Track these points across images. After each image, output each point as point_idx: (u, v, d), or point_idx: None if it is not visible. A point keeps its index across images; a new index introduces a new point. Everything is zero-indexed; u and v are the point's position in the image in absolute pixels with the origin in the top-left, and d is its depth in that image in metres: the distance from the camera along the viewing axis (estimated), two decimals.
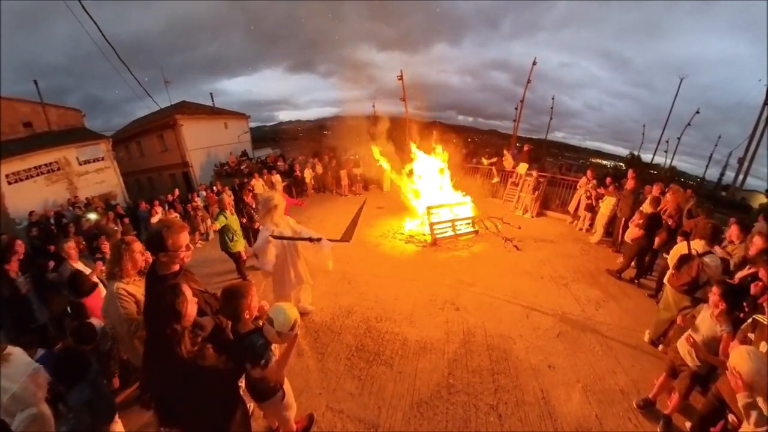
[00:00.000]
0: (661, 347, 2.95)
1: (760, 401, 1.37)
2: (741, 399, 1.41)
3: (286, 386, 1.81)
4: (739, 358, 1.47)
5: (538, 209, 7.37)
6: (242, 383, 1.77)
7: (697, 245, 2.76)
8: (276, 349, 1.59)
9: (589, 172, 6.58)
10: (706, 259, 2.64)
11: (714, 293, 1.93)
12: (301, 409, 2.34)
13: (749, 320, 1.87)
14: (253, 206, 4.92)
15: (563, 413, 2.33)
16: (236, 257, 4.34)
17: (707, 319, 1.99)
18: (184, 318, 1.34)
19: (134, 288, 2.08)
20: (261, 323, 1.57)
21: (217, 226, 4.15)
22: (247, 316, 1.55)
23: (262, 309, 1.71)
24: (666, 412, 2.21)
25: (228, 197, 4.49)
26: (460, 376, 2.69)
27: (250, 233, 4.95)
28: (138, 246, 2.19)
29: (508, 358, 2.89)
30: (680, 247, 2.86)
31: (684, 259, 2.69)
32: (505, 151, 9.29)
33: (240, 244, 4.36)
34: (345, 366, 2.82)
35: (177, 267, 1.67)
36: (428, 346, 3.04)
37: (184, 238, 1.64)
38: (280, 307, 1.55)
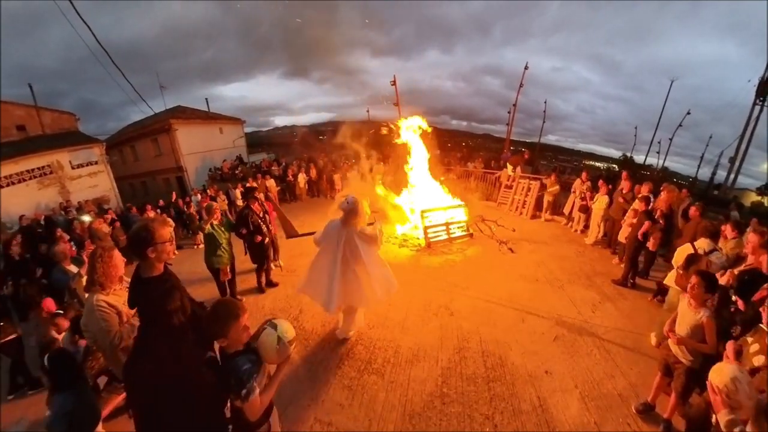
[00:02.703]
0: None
1: (749, 425, 1.33)
2: (723, 417, 1.36)
3: (273, 416, 1.60)
4: (719, 377, 1.44)
5: (533, 211, 7.38)
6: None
7: (702, 244, 2.79)
8: (262, 377, 1.42)
9: (583, 174, 6.60)
10: (712, 257, 2.67)
11: (691, 282, 1.99)
12: (288, 423, 2.25)
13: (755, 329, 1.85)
14: (260, 215, 4.19)
15: (561, 421, 2.27)
16: (215, 274, 3.84)
17: (687, 310, 2.02)
18: (185, 314, 1.37)
19: (115, 299, 1.99)
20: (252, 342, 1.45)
21: (204, 230, 3.75)
22: (236, 338, 1.40)
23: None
24: (665, 416, 2.16)
25: (218, 206, 3.98)
26: (454, 384, 2.61)
27: (255, 248, 4.15)
28: (117, 253, 2.11)
29: (504, 364, 2.81)
30: (686, 248, 2.88)
31: (691, 259, 2.69)
32: (508, 164, 9.13)
33: (222, 260, 3.77)
34: (335, 375, 2.73)
35: (161, 267, 1.61)
36: (421, 354, 2.96)
37: (167, 232, 1.61)
38: (282, 320, 1.49)
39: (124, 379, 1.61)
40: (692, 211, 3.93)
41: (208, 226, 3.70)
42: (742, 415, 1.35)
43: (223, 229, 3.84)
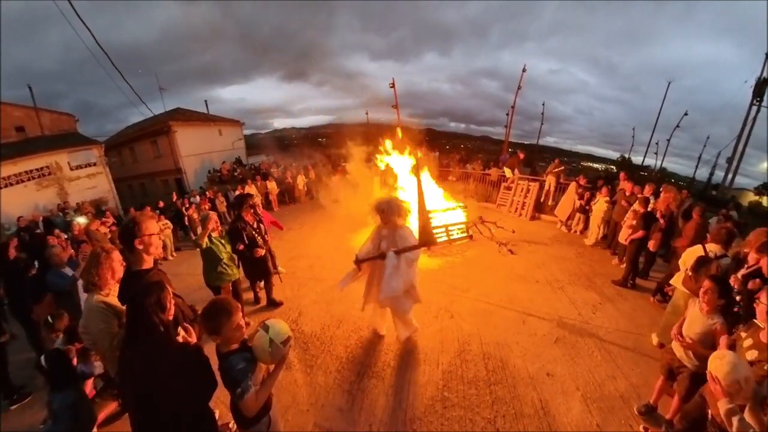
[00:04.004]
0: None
1: (747, 412, 1.34)
2: (722, 405, 1.38)
3: (274, 410, 1.63)
4: (717, 364, 1.45)
5: (532, 213, 7.39)
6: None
7: (713, 248, 2.78)
8: (258, 373, 1.44)
9: (581, 179, 6.58)
10: (721, 262, 2.66)
11: (705, 287, 1.94)
12: (287, 428, 2.22)
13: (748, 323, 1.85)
14: (254, 225, 3.67)
15: (563, 424, 2.25)
16: (216, 292, 3.28)
17: (698, 315, 1.98)
18: (168, 311, 1.40)
19: (114, 299, 1.98)
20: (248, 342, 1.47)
21: (203, 239, 3.11)
22: (231, 336, 1.43)
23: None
24: (668, 417, 2.15)
25: (214, 216, 3.36)
26: (455, 388, 2.58)
27: (254, 263, 3.66)
28: (117, 255, 2.10)
29: (505, 367, 2.80)
30: (696, 250, 2.87)
31: (702, 262, 2.69)
32: (506, 168, 9.23)
33: (224, 278, 3.24)
34: (334, 379, 2.70)
35: (151, 262, 1.65)
36: (422, 357, 2.93)
37: (154, 226, 1.68)
38: (278, 319, 1.51)
39: (117, 372, 1.65)
40: (695, 213, 3.95)
41: (206, 240, 3.12)
42: (740, 400, 1.36)
43: (223, 241, 3.27)
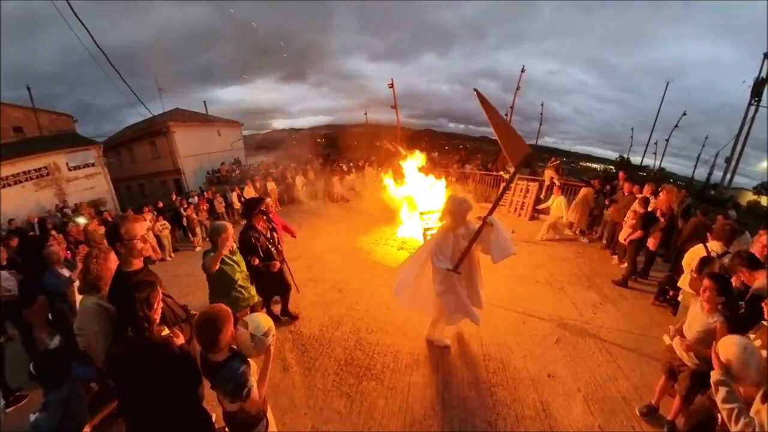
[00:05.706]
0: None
1: (756, 404, 1.31)
2: (714, 375, 1.40)
3: (269, 414, 1.65)
4: (727, 347, 1.44)
5: (531, 213, 7.38)
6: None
7: (715, 246, 2.75)
8: (254, 373, 1.48)
9: (595, 182, 6.35)
10: (725, 259, 2.63)
11: (704, 285, 1.94)
12: (285, 429, 2.20)
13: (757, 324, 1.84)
14: (267, 234, 3.13)
15: (565, 425, 2.23)
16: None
17: (699, 314, 1.98)
18: (154, 311, 1.41)
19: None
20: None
21: (215, 265, 2.45)
22: (224, 344, 1.45)
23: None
24: (669, 418, 2.13)
25: (231, 230, 2.52)
26: (455, 390, 2.56)
27: (271, 278, 3.14)
28: (113, 256, 2.08)
29: (506, 368, 2.77)
30: (698, 251, 2.84)
31: (705, 262, 2.66)
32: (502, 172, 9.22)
33: (240, 303, 2.62)
34: (333, 382, 2.67)
35: (140, 263, 1.65)
36: (422, 359, 2.91)
37: (140, 228, 1.63)
38: (255, 314, 1.58)
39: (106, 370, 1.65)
40: (699, 213, 3.95)
41: (217, 264, 2.45)
42: (749, 386, 1.35)
43: (235, 258, 2.64)
